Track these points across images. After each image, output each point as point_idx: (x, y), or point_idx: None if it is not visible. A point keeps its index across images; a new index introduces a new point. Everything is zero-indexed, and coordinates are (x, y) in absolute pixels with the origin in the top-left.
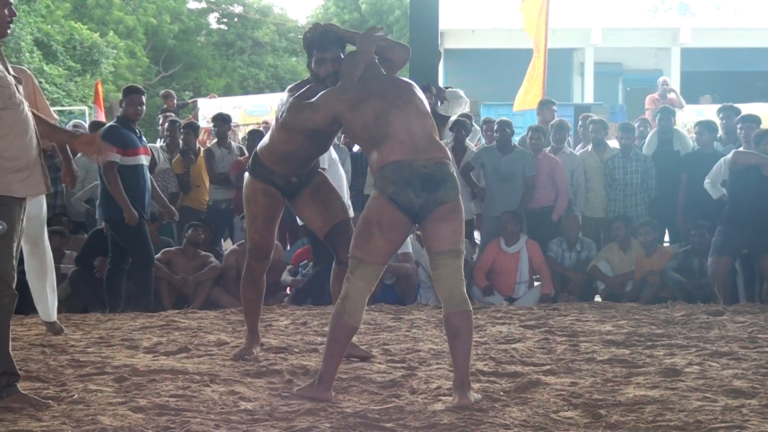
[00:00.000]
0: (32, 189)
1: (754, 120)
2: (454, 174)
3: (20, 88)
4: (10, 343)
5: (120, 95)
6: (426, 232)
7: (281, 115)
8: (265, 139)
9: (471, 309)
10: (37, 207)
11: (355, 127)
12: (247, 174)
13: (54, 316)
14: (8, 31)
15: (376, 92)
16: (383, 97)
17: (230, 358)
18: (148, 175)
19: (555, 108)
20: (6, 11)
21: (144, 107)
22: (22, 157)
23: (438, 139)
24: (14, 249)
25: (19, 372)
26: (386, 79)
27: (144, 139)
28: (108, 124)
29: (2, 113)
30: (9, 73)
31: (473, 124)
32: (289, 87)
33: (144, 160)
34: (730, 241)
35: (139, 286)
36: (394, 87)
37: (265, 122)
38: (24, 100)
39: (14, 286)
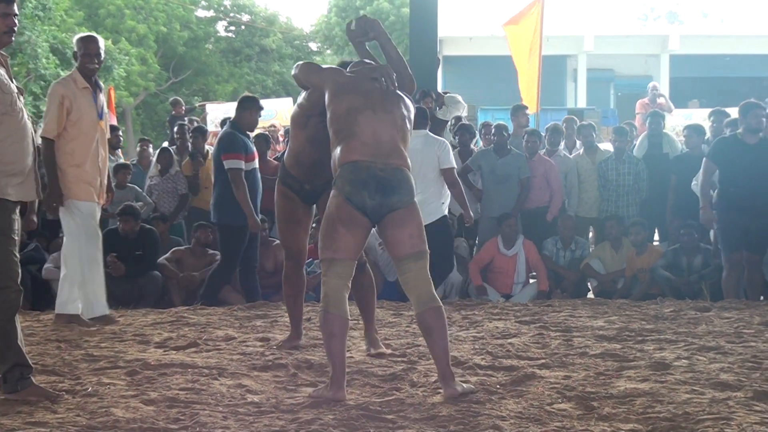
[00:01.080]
0: (26, 194)
1: None
2: (411, 182)
3: (21, 97)
4: (21, 336)
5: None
6: (385, 239)
7: (294, 66)
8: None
9: (441, 305)
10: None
11: (330, 113)
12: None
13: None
14: (11, 41)
15: (361, 90)
16: (364, 97)
17: (273, 347)
18: (259, 178)
19: (528, 113)
20: (1, 21)
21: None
22: (17, 162)
23: (404, 151)
24: (15, 248)
25: (36, 366)
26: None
27: (252, 144)
28: (226, 132)
29: (2, 118)
30: (12, 81)
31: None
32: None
33: (256, 164)
34: (732, 231)
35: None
36: (382, 94)
37: (273, 125)
38: (23, 108)
39: (19, 281)
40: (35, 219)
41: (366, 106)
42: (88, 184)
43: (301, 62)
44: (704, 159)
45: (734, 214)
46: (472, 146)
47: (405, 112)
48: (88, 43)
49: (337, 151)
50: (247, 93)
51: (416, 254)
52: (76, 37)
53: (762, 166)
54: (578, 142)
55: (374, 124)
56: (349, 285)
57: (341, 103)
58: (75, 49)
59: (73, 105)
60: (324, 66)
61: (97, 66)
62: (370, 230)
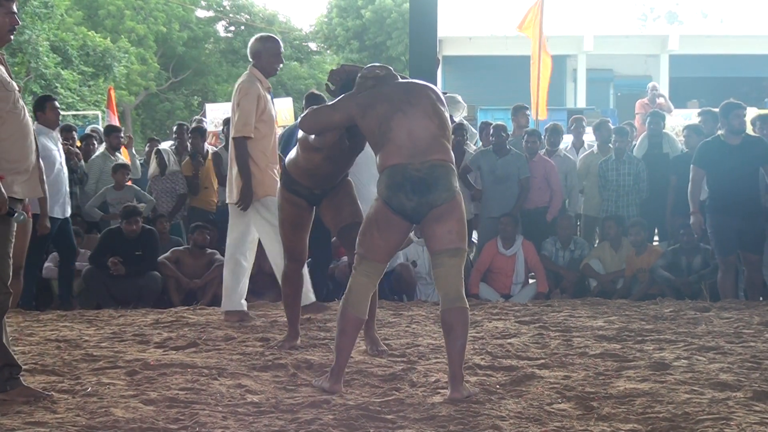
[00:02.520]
0: (31, 191)
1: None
2: (450, 176)
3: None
4: (5, 337)
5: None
6: (424, 233)
7: (300, 120)
8: (292, 153)
9: (466, 306)
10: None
11: (364, 132)
12: (279, 183)
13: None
14: (11, 39)
15: (384, 97)
16: (389, 102)
17: (272, 347)
18: None
19: (529, 113)
20: (7, 20)
21: None
22: (22, 161)
23: (445, 140)
24: (10, 249)
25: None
26: (398, 83)
27: None
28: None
29: (7, 117)
30: (12, 80)
31: (469, 127)
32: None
33: None
34: (725, 233)
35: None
36: (404, 91)
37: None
38: (24, 106)
39: (9, 283)
40: (48, 223)
41: (393, 110)
42: (275, 180)
43: (308, 111)
44: (691, 165)
45: (725, 216)
46: (473, 146)
47: (433, 97)
48: (275, 43)
49: (378, 159)
50: (313, 90)
51: (452, 250)
52: (258, 37)
53: (747, 165)
54: (586, 143)
55: (407, 124)
56: (376, 285)
57: (370, 120)
58: (256, 48)
59: (266, 105)
60: (337, 101)
61: (282, 66)
62: (408, 231)
